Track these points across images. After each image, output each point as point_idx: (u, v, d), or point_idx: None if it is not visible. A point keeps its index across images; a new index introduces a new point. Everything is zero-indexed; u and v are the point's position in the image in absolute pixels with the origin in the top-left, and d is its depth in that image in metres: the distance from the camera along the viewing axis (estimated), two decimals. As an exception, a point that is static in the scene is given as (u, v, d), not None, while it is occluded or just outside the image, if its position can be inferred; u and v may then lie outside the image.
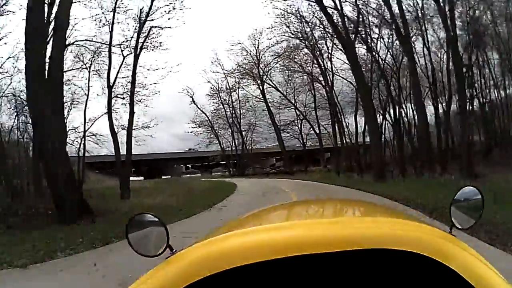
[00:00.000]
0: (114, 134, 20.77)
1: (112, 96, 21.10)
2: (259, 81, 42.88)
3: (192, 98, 46.78)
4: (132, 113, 21.36)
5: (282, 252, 1.13)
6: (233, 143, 49.81)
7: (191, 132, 49.14)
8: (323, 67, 34.00)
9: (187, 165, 68.24)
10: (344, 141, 33.93)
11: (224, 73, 44.89)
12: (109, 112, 20.89)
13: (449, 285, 1.13)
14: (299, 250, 1.13)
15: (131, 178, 65.04)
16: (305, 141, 44.34)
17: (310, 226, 1.28)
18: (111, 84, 21.01)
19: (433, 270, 1.15)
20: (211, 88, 46.86)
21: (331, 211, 1.97)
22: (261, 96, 43.81)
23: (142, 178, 63.18)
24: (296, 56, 36.87)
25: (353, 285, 1.24)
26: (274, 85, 42.57)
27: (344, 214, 1.79)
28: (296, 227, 1.29)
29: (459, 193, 1.46)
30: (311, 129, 41.99)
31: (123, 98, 21.68)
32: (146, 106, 24.33)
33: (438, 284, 1.18)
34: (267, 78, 42.60)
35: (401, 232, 1.19)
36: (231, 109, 48.14)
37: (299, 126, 44.01)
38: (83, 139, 20.56)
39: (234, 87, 46.08)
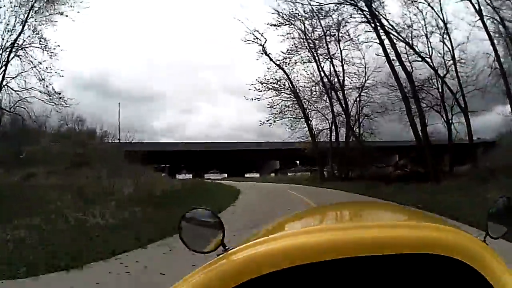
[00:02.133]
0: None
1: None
2: (367, 11, 24.53)
3: (263, 47, 29.41)
4: None
5: (342, 253, 1.16)
6: (333, 123, 30.18)
7: (257, 99, 29.89)
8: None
9: (296, 161, 53.01)
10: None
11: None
12: None
13: None
14: (357, 251, 1.16)
15: (210, 175, 52.20)
16: (450, 120, 24.71)
17: (357, 229, 1.29)
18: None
19: (465, 276, 1.17)
20: (281, 13, 27.70)
21: (369, 215, 1.90)
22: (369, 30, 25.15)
23: (225, 175, 50.49)
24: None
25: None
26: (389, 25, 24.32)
27: (380, 218, 1.77)
28: (354, 229, 1.29)
29: (497, 202, 1.48)
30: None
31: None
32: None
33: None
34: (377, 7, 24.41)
35: (438, 237, 1.22)
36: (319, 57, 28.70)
37: (440, 89, 24.61)
38: None
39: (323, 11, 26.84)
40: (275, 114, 29.92)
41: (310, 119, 30.20)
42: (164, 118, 68.85)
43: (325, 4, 25.70)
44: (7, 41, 21.99)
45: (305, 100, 29.89)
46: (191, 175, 52.09)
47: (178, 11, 73.79)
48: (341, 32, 27.62)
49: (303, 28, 28.31)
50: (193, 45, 75.94)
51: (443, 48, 23.88)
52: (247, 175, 50.47)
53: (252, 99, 30.33)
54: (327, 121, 30.86)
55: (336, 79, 29.49)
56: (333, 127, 30.57)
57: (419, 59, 24.02)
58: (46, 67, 22.55)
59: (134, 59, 75.71)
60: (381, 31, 23.90)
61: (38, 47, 22.35)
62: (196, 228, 1.36)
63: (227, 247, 1.27)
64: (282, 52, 29.28)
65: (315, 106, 30.50)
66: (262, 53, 29.28)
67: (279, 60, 29.33)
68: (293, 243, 1.20)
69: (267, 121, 30.39)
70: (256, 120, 46.31)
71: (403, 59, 23.63)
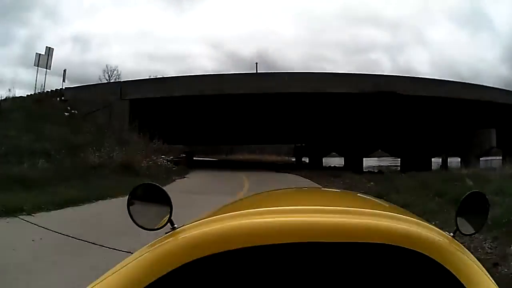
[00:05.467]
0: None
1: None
2: None
3: None
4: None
5: (290, 237, 1.15)
6: None
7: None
8: None
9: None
10: None
11: None
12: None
13: (444, 286, 1.14)
14: (307, 237, 1.15)
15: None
16: None
17: (317, 214, 1.26)
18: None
19: (430, 270, 1.16)
20: None
21: (334, 201, 1.82)
22: None
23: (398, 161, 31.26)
24: None
25: (348, 277, 1.21)
26: None
27: (346, 205, 1.59)
28: (306, 213, 1.28)
29: (465, 197, 1.38)
30: None
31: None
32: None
33: (434, 285, 1.17)
34: None
35: (403, 229, 1.20)
36: None
37: None
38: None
39: None
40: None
41: None
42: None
43: None
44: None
45: None
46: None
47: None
48: None
49: None
50: None
51: None
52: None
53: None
54: None
55: None
56: None
57: None
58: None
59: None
60: None
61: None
62: (145, 205, 1.34)
63: (174, 225, 1.27)
64: None
65: None
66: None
67: None
68: (237, 224, 1.19)
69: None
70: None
71: None
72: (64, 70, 23.78)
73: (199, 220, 1.26)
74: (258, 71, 25.17)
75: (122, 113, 20.40)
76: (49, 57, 21.49)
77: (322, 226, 1.17)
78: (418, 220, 1.32)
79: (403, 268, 1.18)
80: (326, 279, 1.18)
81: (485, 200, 1.39)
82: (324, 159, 39.27)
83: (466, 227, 1.34)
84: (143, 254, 1.18)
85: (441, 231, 1.27)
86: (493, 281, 1.16)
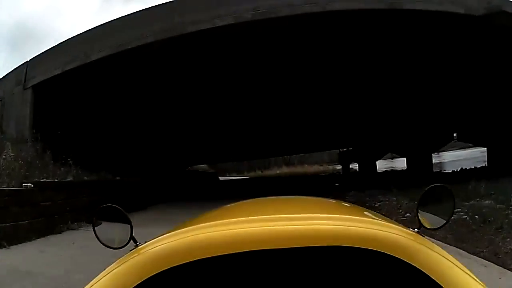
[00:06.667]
0: None
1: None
2: None
3: None
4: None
5: (243, 246, 1.18)
6: None
7: None
8: None
9: None
10: None
11: None
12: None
13: (415, 284, 1.13)
14: (260, 245, 1.18)
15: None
16: None
17: (273, 221, 1.28)
18: None
19: (398, 269, 1.15)
20: None
21: (298, 207, 1.90)
22: None
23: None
24: None
25: (314, 282, 1.22)
26: None
27: (309, 210, 1.75)
28: (258, 222, 1.30)
29: (427, 191, 1.38)
30: None
31: None
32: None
33: (404, 283, 1.17)
34: None
35: (365, 230, 1.20)
36: None
37: None
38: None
39: None
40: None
41: None
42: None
43: None
44: None
45: None
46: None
47: None
48: None
49: None
50: None
51: None
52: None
53: None
54: None
55: None
56: None
57: None
58: None
59: None
60: None
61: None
62: (108, 225, 1.41)
63: (138, 243, 1.33)
64: None
65: None
66: None
67: None
68: (196, 236, 1.23)
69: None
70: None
71: None
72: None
73: (161, 235, 1.32)
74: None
75: (22, 111, 12.36)
76: None
77: (272, 234, 1.20)
78: (380, 220, 1.33)
79: (367, 271, 1.17)
80: (287, 286, 1.19)
81: (449, 193, 1.37)
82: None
83: (431, 222, 1.32)
84: (111, 271, 1.23)
85: (404, 228, 1.27)
86: (466, 270, 1.16)
